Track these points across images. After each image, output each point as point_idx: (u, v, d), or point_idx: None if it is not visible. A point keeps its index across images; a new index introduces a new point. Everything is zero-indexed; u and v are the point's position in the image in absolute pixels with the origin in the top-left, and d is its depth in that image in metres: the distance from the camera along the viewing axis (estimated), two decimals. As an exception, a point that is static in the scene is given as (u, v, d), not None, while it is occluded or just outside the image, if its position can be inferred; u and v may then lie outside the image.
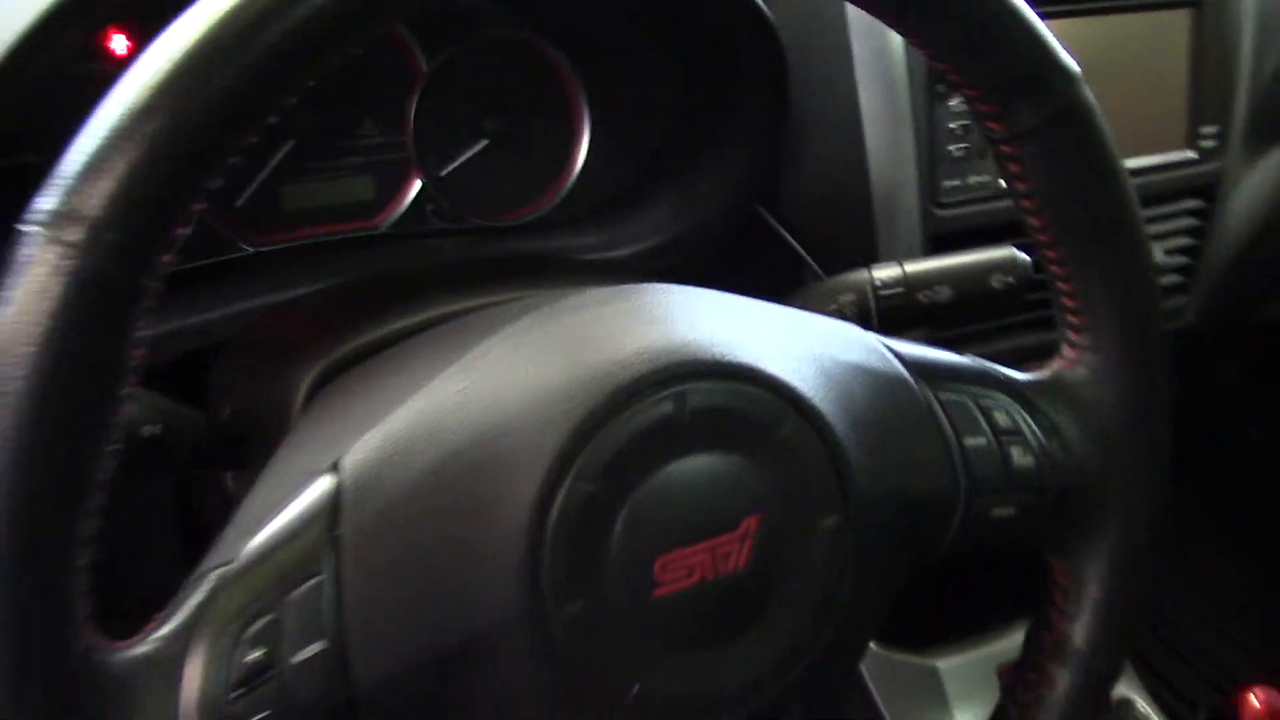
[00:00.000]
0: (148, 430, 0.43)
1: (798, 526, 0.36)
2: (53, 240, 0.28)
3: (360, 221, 0.63)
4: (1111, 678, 0.45)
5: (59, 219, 0.28)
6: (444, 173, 0.64)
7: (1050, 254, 0.42)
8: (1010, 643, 0.78)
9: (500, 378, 0.35)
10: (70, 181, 0.28)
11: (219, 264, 0.59)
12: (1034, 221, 0.42)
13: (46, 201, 0.28)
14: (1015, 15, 0.38)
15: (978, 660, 0.77)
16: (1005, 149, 0.40)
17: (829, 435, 0.37)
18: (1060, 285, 0.43)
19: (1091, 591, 0.44)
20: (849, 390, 0.38)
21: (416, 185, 0.63)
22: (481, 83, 0.63)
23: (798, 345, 0.38)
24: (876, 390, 0.40)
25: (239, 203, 0.60)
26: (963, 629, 0.78)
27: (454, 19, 0.62)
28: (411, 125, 0.62)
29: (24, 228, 0.28)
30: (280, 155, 0.60)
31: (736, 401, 0.35)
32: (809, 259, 0.61)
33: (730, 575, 0.36)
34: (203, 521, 0.63)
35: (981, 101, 0.40)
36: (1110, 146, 0.41)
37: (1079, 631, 0.44)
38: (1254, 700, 0.63)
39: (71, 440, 0.29)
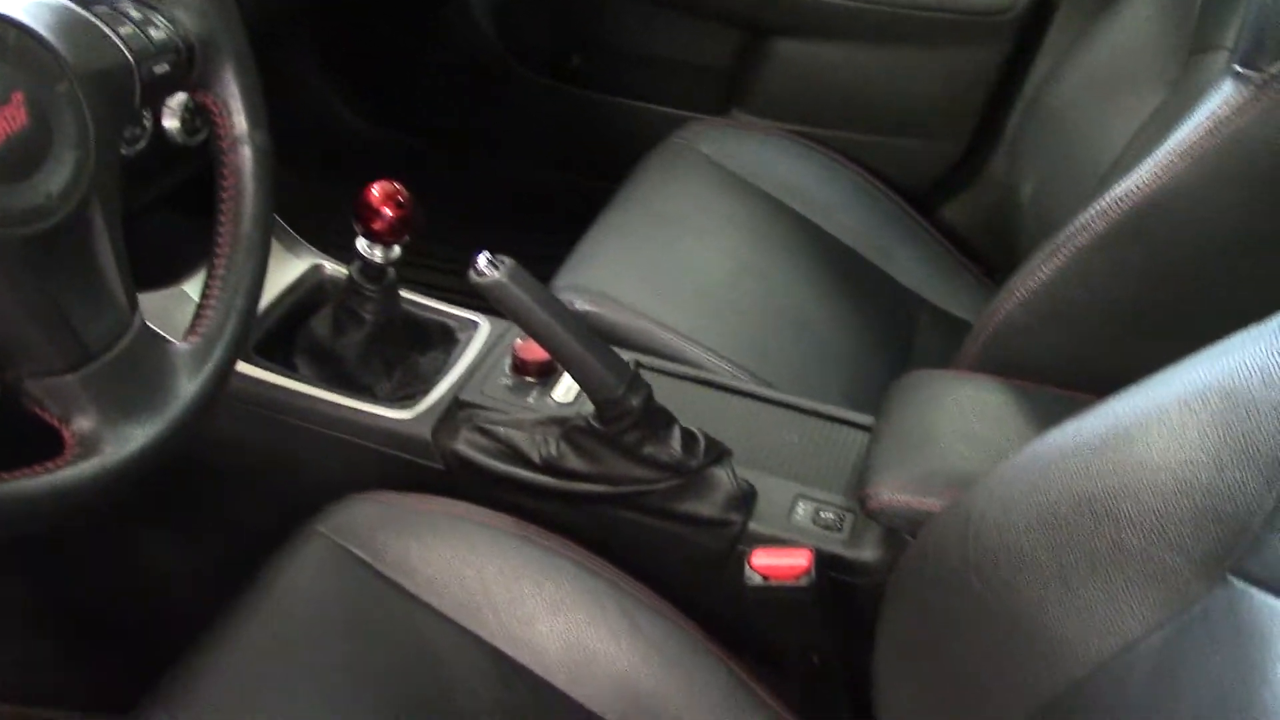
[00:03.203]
0: None
1: (46, 93, 0.60)
2: None
3: None
4: (268, 146, 0.75)
5: None
6: None
7: None
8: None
9: None
10: None
11: None
12: None
13: None
14: None
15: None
16: None
17: (38, 35, 0.61)
18: None
19: (231, 90, 0.73)
20: (42, 18, 0.62)
21: None
22: None
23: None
24: (57, 15, 0.63)
25: None
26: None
27: None
28: None
29: None
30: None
31: None
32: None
33: (21, 129, 0.59)
34: None
35: None
36: None
37: (237, 123, 0.73)
38: (372, 191, 0.97)
39: None
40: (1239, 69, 0.85)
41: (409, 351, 1.06)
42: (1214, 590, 0.57)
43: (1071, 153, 1.27)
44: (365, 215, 0.95)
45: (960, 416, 0.95)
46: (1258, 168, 0.87)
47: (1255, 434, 0.55)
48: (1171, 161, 0.89)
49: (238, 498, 1.05)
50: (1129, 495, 0.62)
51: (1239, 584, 0.55)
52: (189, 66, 0.71)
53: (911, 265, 1.43)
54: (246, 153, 0.74)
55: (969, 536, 0.73)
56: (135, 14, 0.68)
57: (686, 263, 1.29)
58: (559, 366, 1.03)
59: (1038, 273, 0.97)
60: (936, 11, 1.46)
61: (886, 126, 1.56)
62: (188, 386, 0.68)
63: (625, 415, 0.88)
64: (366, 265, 0.98)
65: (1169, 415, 0.64)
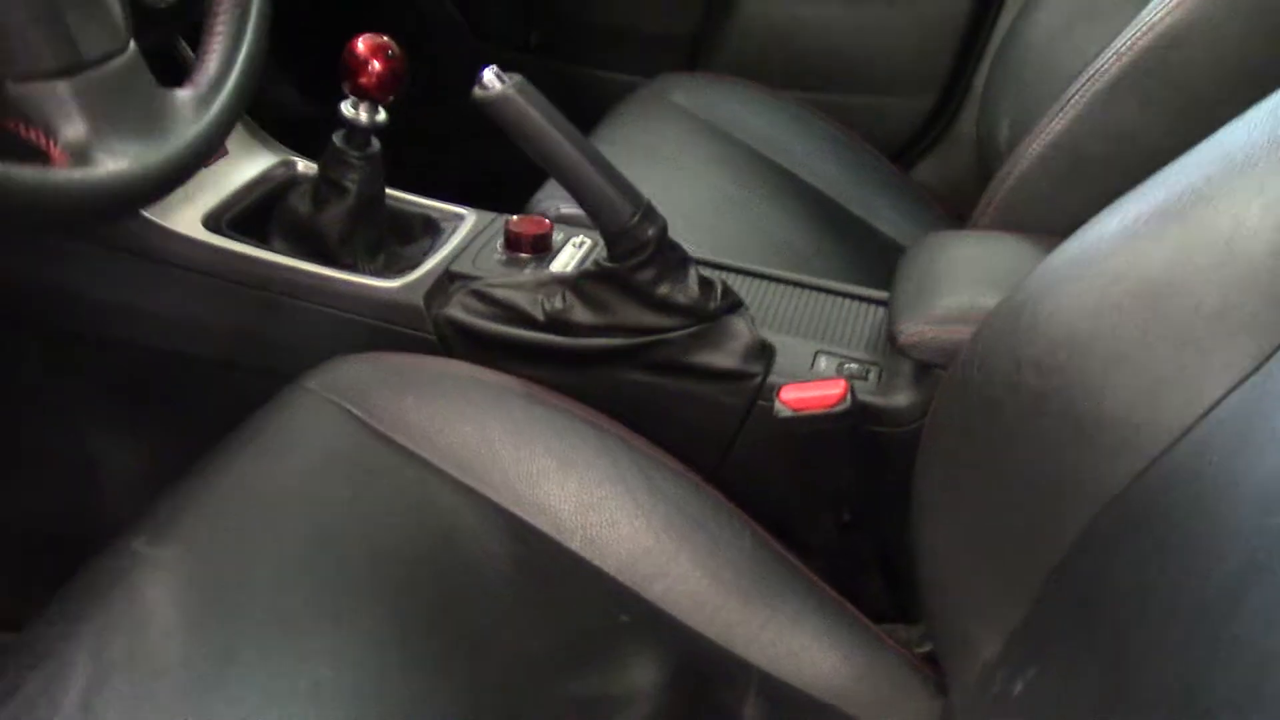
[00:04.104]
0: None
1: None
2: None
3: None
4: None
5: None
6: None
7: None
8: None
9: None
10: None
11: None
12: None
13: None
14: None
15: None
16: None
17: None
18: None
19: None
20: None
21: None
22: None
23: None
24: None
25: None
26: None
27: None
28: None
29: None
30: None
31: None
32: None
33: None
34: None
35: None
36: None
37: None
38: (358, 44, 0.91)
39: None
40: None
41: (393, 239, 0.99)
42: (1300, 328, 0.53)
43: (1049, 86, 1.26)
44: (352, 68, 0.89)
45: (984, 265, 0.91)
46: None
47: None
48: (1181, -1, 0.88)
49: (209, 389, 0.96)
50: (1200, 252, 0.59)
51: (1325, 314, 0.51)
52: None
53: (892, 215, 1.40)
54: None
55: (1021, 331, 0.68)
56: None
57: (667, 194, 1.23)
58: (554, 243, 0.97)
59: (1050, 128, 0.94)
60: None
61: (856, 85, 1.54)
62: (184, 130, 0.62)
63: (639, 249, 0.82)
64: (352, 129, 0.92)
65: (1234, 162, 0.60)
